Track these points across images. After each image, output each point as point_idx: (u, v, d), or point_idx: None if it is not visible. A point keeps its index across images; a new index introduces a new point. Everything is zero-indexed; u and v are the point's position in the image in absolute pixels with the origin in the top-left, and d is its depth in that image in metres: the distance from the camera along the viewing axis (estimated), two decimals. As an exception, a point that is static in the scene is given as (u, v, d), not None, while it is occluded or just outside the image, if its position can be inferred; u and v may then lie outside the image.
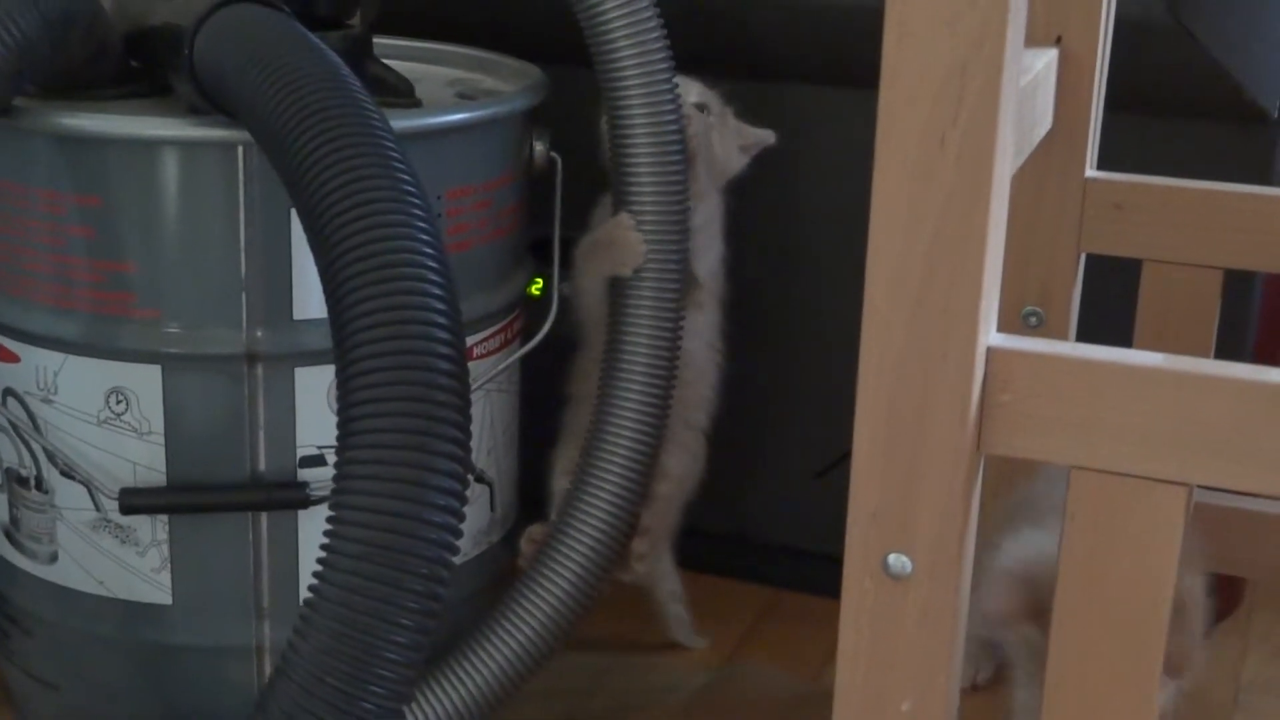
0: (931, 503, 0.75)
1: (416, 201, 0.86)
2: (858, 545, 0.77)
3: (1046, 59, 1.01)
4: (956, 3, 0.68)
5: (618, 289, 1.13)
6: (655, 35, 1.07)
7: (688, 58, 1.12)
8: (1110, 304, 1.13)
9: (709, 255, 1.20)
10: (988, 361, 0.74)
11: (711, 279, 1.21)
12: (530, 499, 1.25)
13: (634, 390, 1.11)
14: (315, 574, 0.82)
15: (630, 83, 1.08)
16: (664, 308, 1.12)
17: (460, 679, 1.07)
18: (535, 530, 1.15)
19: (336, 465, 0.83)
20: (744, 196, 1.26)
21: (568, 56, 1.16)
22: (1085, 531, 0.75)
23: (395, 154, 0.87)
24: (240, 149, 0.98)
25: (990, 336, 0.75)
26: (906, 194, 0.71)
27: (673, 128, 1.09)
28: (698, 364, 1.21)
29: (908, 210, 0.71)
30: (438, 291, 0.84)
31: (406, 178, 0.87)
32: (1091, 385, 0.73)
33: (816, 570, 1.23)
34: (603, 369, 1.13)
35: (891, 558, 0.76)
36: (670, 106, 1.09)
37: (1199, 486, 1.09)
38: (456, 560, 1.11)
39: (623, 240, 1.11)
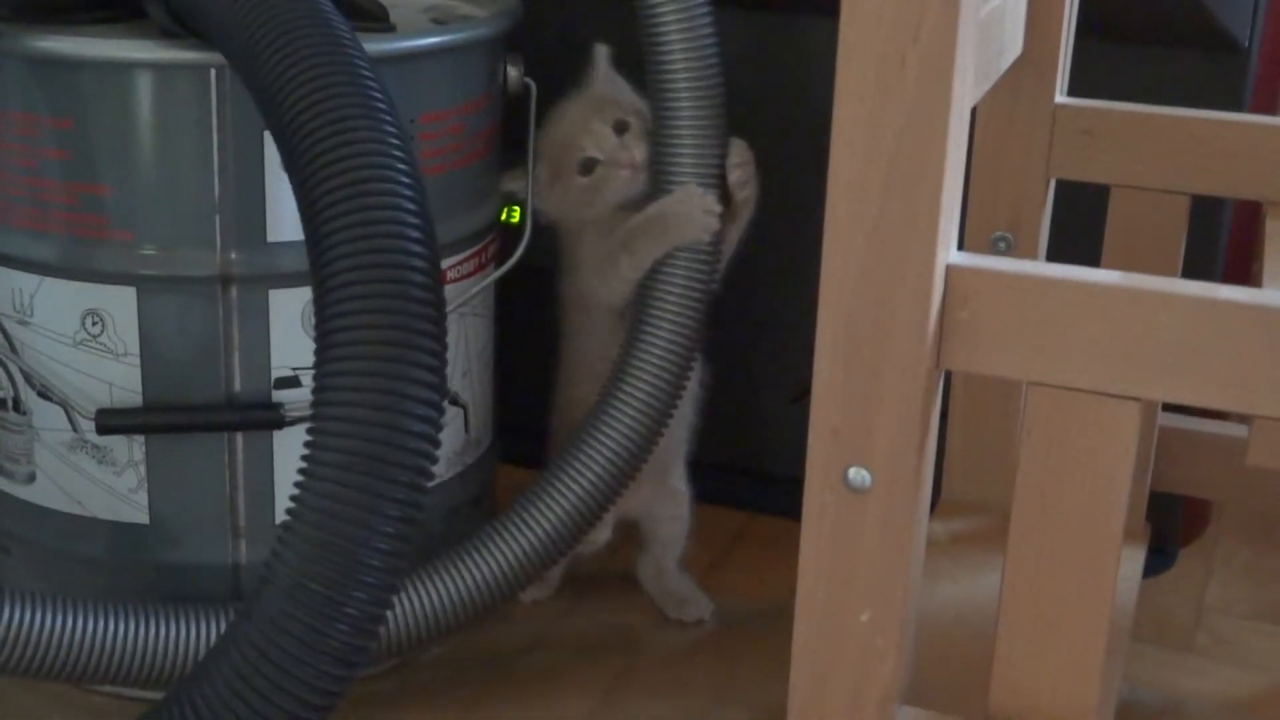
0: (891, 417, 0.76)
1: (389, 119, 0.87)
2: (819, 460, 0.78)
3: (1016, -16, 1.02)
4: (916, -79, 0.69)
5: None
6: None
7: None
8: (1081, 229, 1.14)
9: None
10: (947, 279, 0.76)
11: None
12: (504, 423, 1.26)
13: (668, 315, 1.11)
14: (297, 484, 0.83)
15: (669, 25, 1.07)
16: (698, 265, 1.11)
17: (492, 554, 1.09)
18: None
19: (315, 378, 0.84)
20: (748, 128, 1.27)
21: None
22: (1041, 445, 0.77)
23: (368, 73, 0.88)
24: (213, 72, 0.99)
25: (950, 255, 0.76)
26: (866, 113, 0.72)
27: (713, 72, 1.08)
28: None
29: (868, 129, 0.72)
30: (411, 206, 0.85)
31: (378, 96, 0.87)
32: (1047, 302, 0.75)
33: (789, 494, 1.24)
34: (632, 320, 1.12)
35: (851, 472, 0.78)
36: (710, 44, 1.07)
37: (1161, 407, 1.11)
38: (433, 481, 1.14)
39: (699, 208, 1.08)
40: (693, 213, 1.09)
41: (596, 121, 1.12)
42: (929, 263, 0.74)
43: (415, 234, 0.84)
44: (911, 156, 0.72)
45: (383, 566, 0.82)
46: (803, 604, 0.81)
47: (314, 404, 0.84)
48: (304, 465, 0.83)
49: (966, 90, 0.74)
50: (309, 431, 0.83)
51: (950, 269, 0.76)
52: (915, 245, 0.74)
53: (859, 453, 0.77)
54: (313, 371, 0.85)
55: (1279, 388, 0.72)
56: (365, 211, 0.83)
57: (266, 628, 0.83)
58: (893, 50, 0.70)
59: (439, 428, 0.84)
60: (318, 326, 0.84)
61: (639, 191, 1.12)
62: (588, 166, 1.12)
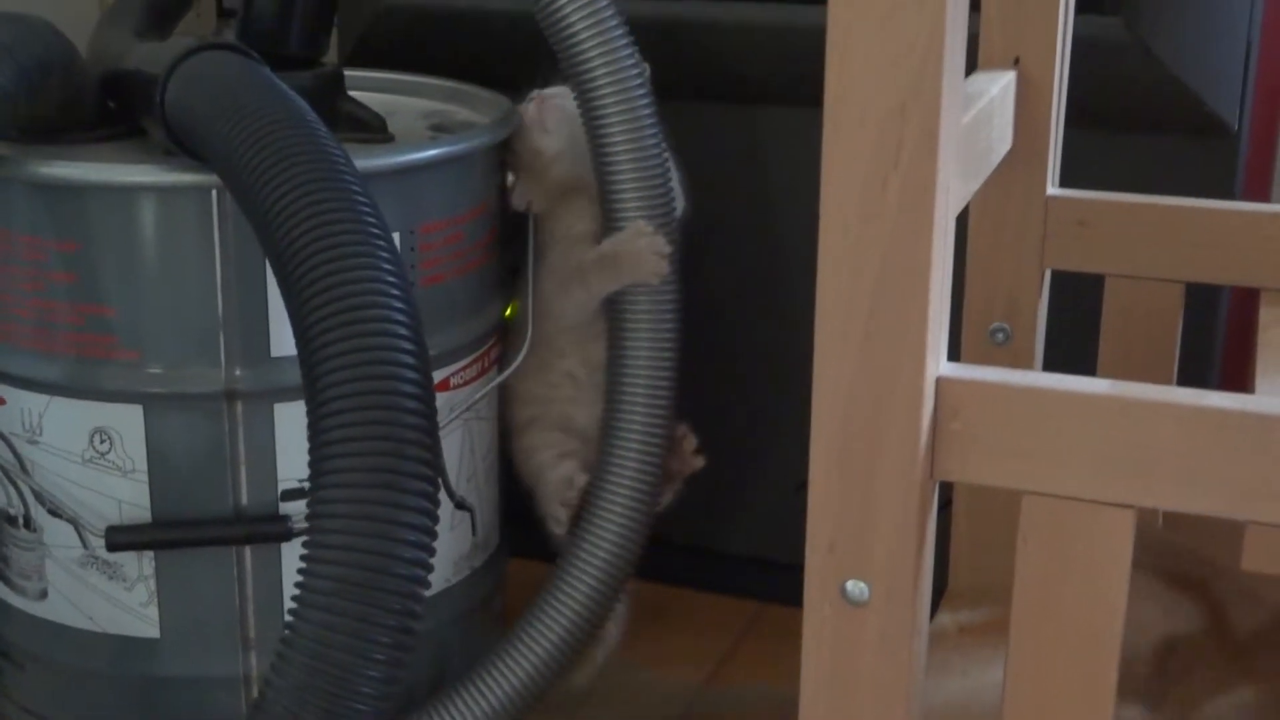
0: (887, 530, 0.77)
1: (382, 244, 0.88)
2: (816, 573, 0.79)
3: (1004, 81, 1.03)
4: (894, 46, 0.70)
5: (611, 304, 1.13)
6: (626, 49, 1.08)
7: (662, 82, 1.13)
8: (1081, 318, 1.15)
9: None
10: (937, 391, 0.76)
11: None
12: (512, 523, 1.27)
13: (639, 402, 1.12)
14: (290, 611, 0.84)
15: (607, 101, 1.08)
16: (663, 318, 1.13)
17: (481, 693, 1.10)
18: (579, 478, 1.15)
19: (309, 504, 0.85)
20: (723, 214, 1.28)
21: (540, 82, 1.18)
22: (1038, 554, 0.77)
23: (361, 197, 0.90)
24: (214, 192, 1.00)
25: (940, 366, 0.77)
26: (852, 233, 0.73)
27: (653, 141, 1.10)
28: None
29: (853, 248, 0.73)
30: (404, 331, 0.86)
31: (372, 220, 0.89)
32: (1039, 412, 0.75)
33: (799, 583, 1.25)
34: (607, 389, 1.14)
35: (849, 584, 0.78)
36: (648, 117, 1.09)
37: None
38: (441, 586, 1.14)
39: (648, 248, 1.10)
40: (642, 252, 1.10)
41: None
42: (919, 376, 0.75)
43: (407, 359, 0.85)
44: (897, 275, 0.73)
45: (375, 694, 0.83)
46: (805, 716, 0.81)
47: (308, 530, 0.85)
48: (297, 592, 0.84)
49: (950, 206, 0.75)
50: (303, 559, 0.84)
51: (941, 381, 0.76)
52: (905, 360, 0.74)
53: (856, 566, 0.78)
54: (305, 499, 0.86)
55: (1272, 493, 0.72)
56: (357, 338, 0.85)
57: None
58: (874, 174, 0.71)
59: (431, 552, 0.85)
60: (311, 452, 0.85)
61: (560, 145, 1.15)
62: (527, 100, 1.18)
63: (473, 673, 1.11)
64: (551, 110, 1.15)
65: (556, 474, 1.16)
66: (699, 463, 1.20)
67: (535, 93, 1.17)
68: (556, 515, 1.15)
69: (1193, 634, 0.97)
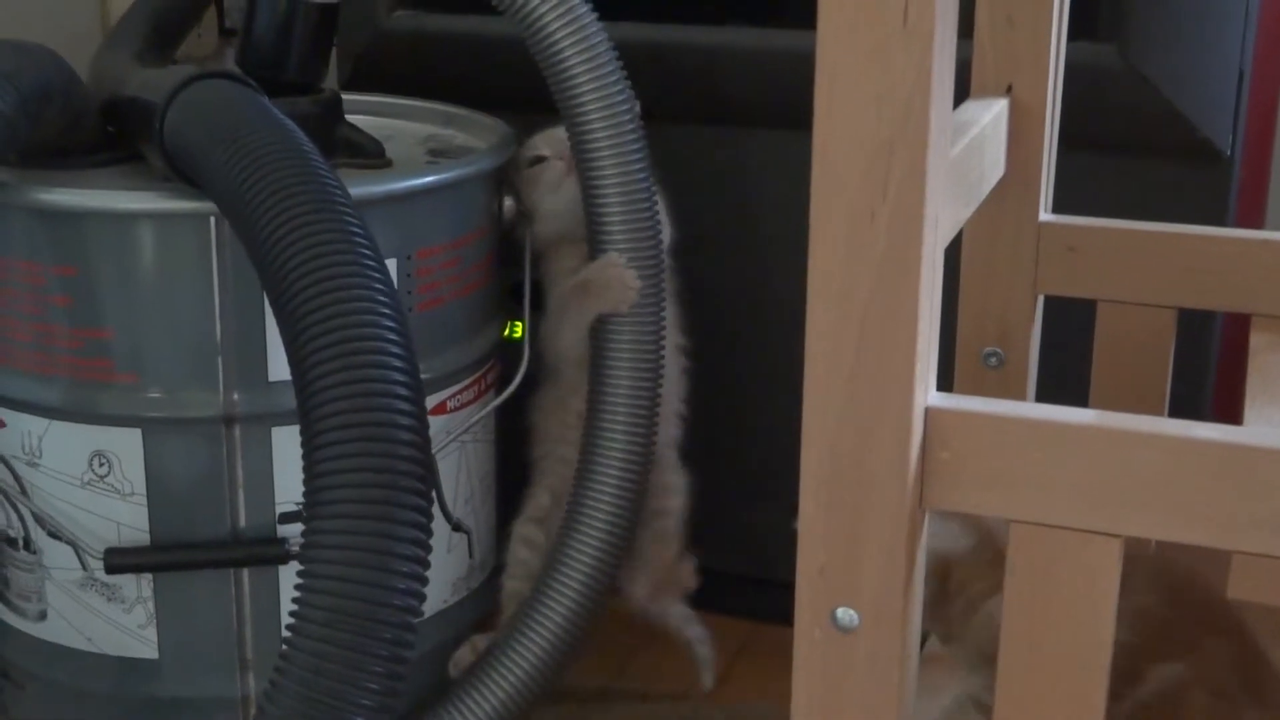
0: (876, 558, 0.77)
1: (376, 274, 0.89)
2: (806, 599, 0.79)
3: (996, 109, 1.04)
4: (881, 83, 0.71)
5: (595, 333, 1.14)
6: (618, 84, 1.09)
7: (654, 105, 1.14)
8: (1075, 343, 1.15)
9: None
10: (926, 421, 0.77)
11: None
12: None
13: (619, 429, 1.13)
14: (284, 640, 0.85)
15: (596, 130, 1.10)
16: (644, 348, 1.14)
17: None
18: (479, 640, 1.17)
19: (304, 534, 0.85)
20: (712, 236, 1.28)
21: (537, 106, 1.19)
22: (1026, 582, 0.78)
23: (355, 226, 0.90)
24: (212, 219, 1.01)
25: (929, 396, 0.77)
26: (840, 265, 0.74)
27: (640, 171, 1.11)
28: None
29: (842, 281, 0.74)
30: (397, 362, 0.87)
31: (366, 250, 0.90)
32: (1026, 442, 0.76)
33: (793, 601, 1.25)
34: (587, 414, 1.14)
35: (839, 611, 0.79)
36: (637, 152, 1.11)
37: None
38: (439, 608, 1.15)
39: (616, 279, 1.11)
40: (609, 282, 1.11)
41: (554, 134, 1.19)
42: (907, 407, 0.75)
43: (401, 389, 0.86)
44: (885, 307, 0.73)
45: None
46: (797, 741, 0.81)
47: (301, 560, 0.85)
48: (291, 621, 0.85)
49: (938, 238, 0.76)
50: (297, 588, 0.85)
51: (930, 410, 0.77)
52: (893, 391, 0.75)
53: (846, 593, 0.78)
54: (300, 528, 0.87)
55: (1257, 524, 0.73)
56: (352, 370, 0.85)
57: None
58: (862, 206, 0.72)
59: (424, 582, 0.86)
60: (306, 481, 0.86)
61: (569, 203, 1.16)
62: (535, 161, 1.18)
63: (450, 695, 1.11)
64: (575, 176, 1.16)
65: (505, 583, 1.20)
66: (695, 583, 1.26)
67: (550, 141, 1.18)
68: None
69: (961, 551, 0.99)
